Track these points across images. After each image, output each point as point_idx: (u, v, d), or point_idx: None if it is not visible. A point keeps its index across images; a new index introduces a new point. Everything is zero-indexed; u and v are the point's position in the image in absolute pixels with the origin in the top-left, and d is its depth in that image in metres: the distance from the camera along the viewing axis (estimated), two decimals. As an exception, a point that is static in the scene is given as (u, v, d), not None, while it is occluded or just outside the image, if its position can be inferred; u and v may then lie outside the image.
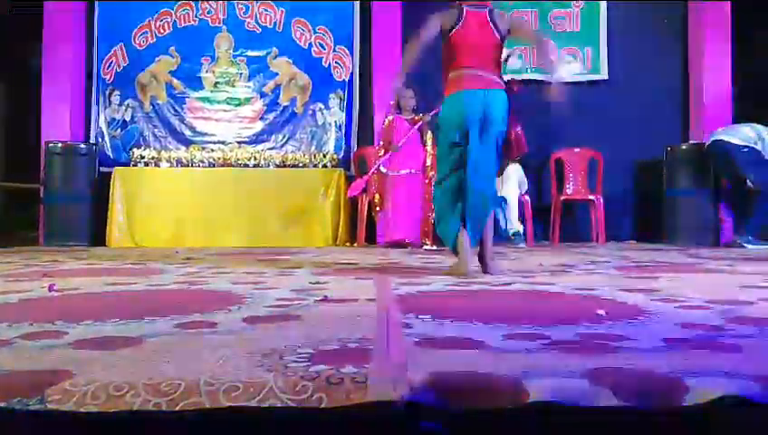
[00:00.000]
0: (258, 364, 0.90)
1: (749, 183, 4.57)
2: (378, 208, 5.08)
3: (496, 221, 2.71)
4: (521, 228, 4.93)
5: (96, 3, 5.97)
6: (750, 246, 4.41)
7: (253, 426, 0.82)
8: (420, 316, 1.35)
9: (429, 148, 4.88)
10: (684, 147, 5.32)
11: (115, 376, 0.83)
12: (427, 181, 4.84)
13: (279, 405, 0.78)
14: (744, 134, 4.64)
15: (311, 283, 2.10)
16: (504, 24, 2.59)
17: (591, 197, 5.43)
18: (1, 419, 0.77)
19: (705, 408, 0.80)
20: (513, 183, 4.92)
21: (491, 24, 2.56)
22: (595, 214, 5.40)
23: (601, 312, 1.37)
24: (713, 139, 4.81)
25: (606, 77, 5.90)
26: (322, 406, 0.78)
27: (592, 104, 5.78)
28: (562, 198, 5.50)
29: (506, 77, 2.77)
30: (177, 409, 0.77)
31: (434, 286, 2.01)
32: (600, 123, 5.77)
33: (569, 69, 5.93)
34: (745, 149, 4.58)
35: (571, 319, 1.31)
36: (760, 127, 4.68)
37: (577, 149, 5.61)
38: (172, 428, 0.82)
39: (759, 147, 4.59)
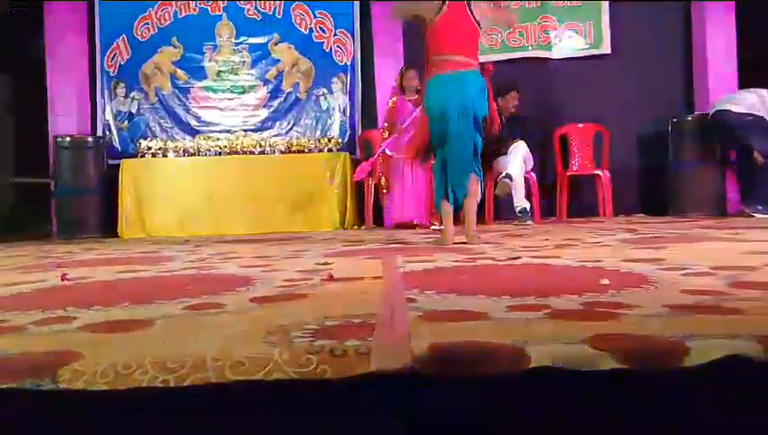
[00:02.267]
0: (264, 340, 0.92)
1: (754, 152, 4.53)
2: (384, 191, 5.10)
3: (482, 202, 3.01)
4: (527, 205, 4.92)
5: (96, -4, 5.97)
6: (758, 215, 4.38)
7: (260, 399, 0.84)
8: (425, 291, 1.36)
9: (434, 128, 4.86)
10: (689, 118, 5.27)
11: (124, 356, 0.85)
12: (432, 162, 4.83)
13: (284, 378, 0.80)
14: (747, 101, 4.58)
15: (318, 264, 2.12)
16: (479, 13, 2.93)
17: (597, 171, 5.40)
18: (15, 399, 0.80)
19: (705, 369, 0.81)
20: (518, 160, 4.90)
21: (469, 14, 2.89)
22: (601, 188, 5.37)
23: (605, 281, 1.37)
24: (716, 108, 4.77)
25: (608, 51, 5.85)
26: (326, 377, 0.80)
27: (595, 79, 5.75)
28: (568, 173, 5.48)
29: (482, 58, 3.15)
30: (185, 384, 0.79)
31: (439, 263, 2.02)
32: (604, 98, 5.73)
33: (571, 44, 5.88)
34: (749, 117, 4.53)
35: (574, 289, 1.32)
36: (764, 91, 4.61)
37: (581, 125, 5.58)
38: (181, 403, 0.84)
39: (762, 113, 4.53)
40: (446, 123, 2.84)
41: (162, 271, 2.14)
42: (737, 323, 0.97)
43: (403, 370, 0.80)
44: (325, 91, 6.02)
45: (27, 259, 2.98)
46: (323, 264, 2.13)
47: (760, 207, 4.47)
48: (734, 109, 4.60)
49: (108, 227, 5.31)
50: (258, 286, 1.57)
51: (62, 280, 1.88)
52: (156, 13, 5.98)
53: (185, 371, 0.80)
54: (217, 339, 0.94)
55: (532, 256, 2.12)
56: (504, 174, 4.75)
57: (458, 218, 3.07)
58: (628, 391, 0.86)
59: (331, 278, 1.64)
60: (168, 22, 5.99)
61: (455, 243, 2.90)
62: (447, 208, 2.96)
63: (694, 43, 5.78)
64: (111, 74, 5.98)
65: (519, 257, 2.09)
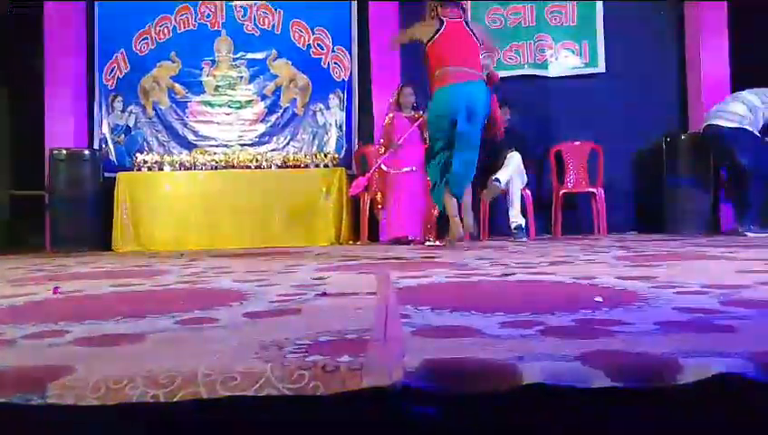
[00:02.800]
0: (256, 355, 0.91)
1: (743, 166, 4.54)
2: (380, 206, 5.11)
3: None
4: (523, 222, 4.93)
5: (96, 10, 6.01)
6: (751, 235, 4.39)
7: (250, 415, 0.83)
8: (419, 308, 1.36)
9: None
10: (683, 136, 5.32)
11: (115, 370, 0.85)
12: (428, 178, 4.86)
13: (275, 394, 0.79)
14: (735, 113, 4.57)
15: (312, 278, 2.12)
16: (479, 32, 3.19)
17: (592, 189, 5.43)
18: (2, 415, 0.79)
19: (698, 386, 0.81)
20: (510, 167, 4.88)
21: (469, 31, 3.14)
22: (596, 206, 5.40)
23: (599, 298, 1.38)
24: (705, 124, 4.79)
25: (603, 70, 5.90)
26: (318, 393, 0.80)
27: (591, 97, 5.80)
28: (563, 190, 5.50)
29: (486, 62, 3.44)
30: (175, 400, 0.79)
31: (434, 279, 2.02)
32: (600, 115, 5.78)
33: (566, 63, 5.94)
34: (738, 131, 4.54)
35: (568, 306, 1.32)
36: (752, 96, 4.59)
37: (577, 142, 5.62)
38: (172, 419, 0.83)
39: (748, 122, 4.51)
40: (453, 127, 3.05)
41: (156, 285, 2.13)
42: (730, 340, 0.97)
43: (395, 386, 0.80)
44: (322, 106, 6.05)
45: (20, 272, 2.97)
46: (318, 278, 2.12)
47: (753, 227, 4.48)
48: (724, 124, 4.61)
49: (102, 240, 5.29)
50: (252, 301, 1.57)
51: (54, 293, 1.87)
52: (155, 28, 6.02)
53: (175, 386, 0.79)
54: (209, 354, 0.94)
55: (526, 273, 2.12)
56: (493, 177, 4.76)
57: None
58: (620, 409, 0.86)
59: (325, 294, 1.64)
60: (167, 37, 6.03)
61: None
62: (452, 201, 3.21)
63: (688, 60, 5.85)
64: (109, 88, 6.00)
65: (513, 274, 2.09)
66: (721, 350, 0.89)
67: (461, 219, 3.19)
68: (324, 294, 1.65)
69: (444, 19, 3.13)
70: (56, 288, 1.92)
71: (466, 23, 3.16)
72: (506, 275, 2.07)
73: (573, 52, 5.94)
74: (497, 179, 4.73)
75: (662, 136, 5.43)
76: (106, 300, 1.78)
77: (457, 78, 3.03)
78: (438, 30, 3.10)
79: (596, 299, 1.38)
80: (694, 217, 5.00)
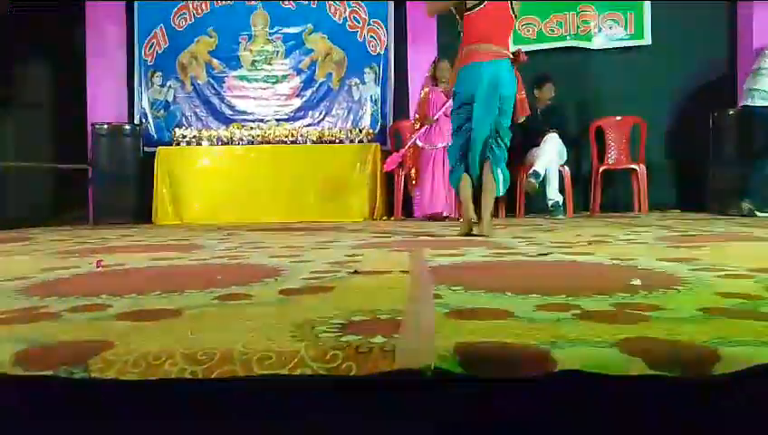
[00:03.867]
0: (291, 334, 0.92)
1: None
2: (414, 182, 5.08)
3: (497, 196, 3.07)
4: (560, 199, 4.85)
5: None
6: (760, 214, 4.26)
7: (285, 392, 0.85)
8: (452, 287, 1.35)
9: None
10: (731, 112, 5.08)
11: (154, 346, 0.87)
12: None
13: (309, 373, 0.80)
14: (766, 90, 4.39)
15: (346, 255, 2.13)
16: (517, 6, 3.01)
17: (633, 166, 5.29)
18: (48, 386, 0.82)
19: (736, 377, 0.79)
20: (548, 154, 4.82)
21: (510, 6, 2.97)
22: (637, 183, 5.26)
23: (636, 281, 1.34)
24: (741, 105, 4.62)
25: (649, 42, 5.68)
26: (351, 374, 0.80)
27: (635, 70, 5.61)
28: (603, 167, 5.37)
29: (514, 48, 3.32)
30: (213, 377, 0.80)
31: (468, 257, 2.01)
32: (644, 89, 5.60)
33: (610, 35, 5.75)
34: None
35: (605, 289, 1.30)
36: None
37: (618, 118, 5.46)
38: (209, 394, 0.85)
39: None
40: (473, 107, 2.96)
41: (194, 259, 2.18)
42: (775, 330, 0.94)
43: (428, 369, 0.80)
44: (358, 81, 6.02)
45: (64, 244, 3.07)
46: (352, 255, 2.14)
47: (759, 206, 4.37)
48: (759, 103, 4.44)
49: (143, 213, 5.43)
50: (286, 278, 1.59)
51: (97, 267, 1.93)
52: (193, 3, 6.06)
53: (213, 363, 0.81)
54: (245, 332, 0.95)
55: (563, 253, 2.09)
56: (531, 171, 4.69)
57: (477, 207, 3.12)
58: (657, 398, 0.84)
59: (357, 272, 1.64)
60: (205, 12, 6.07)
61: (472, 234, 3.01)
62: (466, 184, 3.06)
63: (739, 33, 5.58)
64: (149, 63, 6.09)
65: (550, 253, 2.06)
66: (762, 339, 0.86)
67: (478, 213, 3.02)
68: (357, 271, 1.65)
69: None
70: (99, 262, 1.98)
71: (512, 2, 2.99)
72: (542, 254, 2.04)
73: (618, 23, 5.74)
74: (535, 174, 4.64)
75: (708, 111, 5.23)
76: (146, 274, 1.83)
77: (482, 56, 2.94)
78: (477, 5, 2.98)
79: (633, 282, 1.35)
80: (739, 196, 4.81)
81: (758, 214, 4.32)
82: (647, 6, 5.68)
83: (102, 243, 3.15)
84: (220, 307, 1.20)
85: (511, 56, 3.02)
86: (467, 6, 2.99)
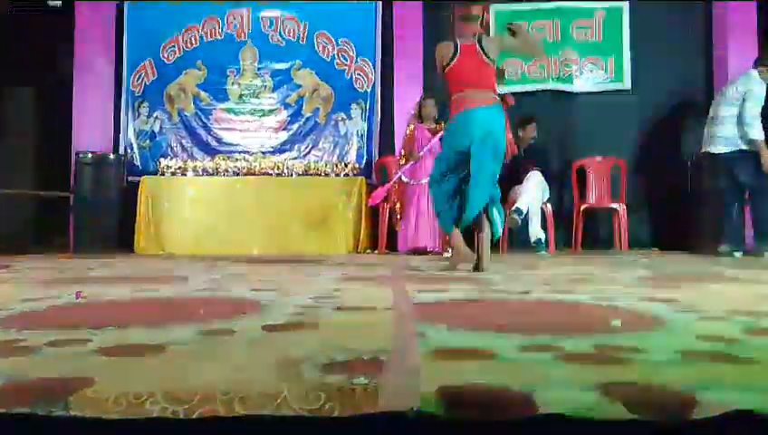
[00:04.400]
0: (274, 373, 0.92)
1: (745, 185, 4.48)
2: (398, 217, 5.11)
3: (494, 230, 3.11)
4: (543, 236, 4.91)
5: (125, 19, 6.14)
6: (738, 255, 4.34)
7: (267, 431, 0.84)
8: (436, 325, 1.36)
9: (451, 157, 4.90)
10: (705, 157, 5.19)
11: (136, 383, 0.86)
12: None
13: (292, 414, 0.80)
14: (726, 137, 4.52)
15: (330, 289, 2.12)
16: (494, 47, 3.09)
17: (614, 205, 5.38)
18: (25, 423, 0.81)
19: (713, 422, 0.80)
20: (531, 191, 4.89)
21: (481, 52, 3.07)
22: (618, 222, 5.34)
23: (617, 322, 1.36)
24: (702, 151, 4.75)
25: (629, 86, 5.85)
26: (334, 415, 0.80)
27: (615, 113, 5.76)
28: (584, 206, 5.45)
29: (503, 89, 3.47)
30: (195, 416, 0.80)
31: (451, 294, 2.02)
32: (624, 131, 5.75)
33: (591, 78, 5.91)
34: (734, 154, 4.48)
35: (587, 329, 1.31)
36: (728, 108, 4.51)
37: (599, 158, 5.57)
38: (191, 433, 0.84)
39: (743, 140, 4.45)
40: (468, 151, 3.02)
41: (176, 291, 2.16)
42: (752, 374, 0.95)
43: (411, 411, 0.80)
44: (344, 116, 6.09)
45: (44, 273, 3.03)
46: (336, 290, 2.13)
47: (736, 248, 4.45)
48: (721, 150, 4.56)
49: (124, 242, 5.38)
50: (270, 312, 1.58)
51: (77, 298, 1.91)
52: (183, 37, 6.13)
53: (194, 403, 0.81)
54: (228, 370, 0.95)
55: (545, 291, 2.11)
56: (513, 208, 4.75)
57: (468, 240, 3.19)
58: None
59: (340, 308, 1.64)
60: (194, 45, 6.14)
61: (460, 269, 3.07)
62: (457, 232, 3.14)
63: (715, 78, 5.76)
64: (136, 94, 6.12)
65: (532, 291, 2.07)
66: (741, 384, 0.87)
67: (478, 254, 3.08)
68: (340, 307, 1.65)
69: (458, 42, 3.13)
70: (79, 293, 1.95)
71: (480, 40, 3.09)
72: (525, 292, 2.05)
73: (598, 67, 5.91)
74: (518, 210, 4.71)
75: (686, 154, 5.36)
76: (127, 306, 1.81)
77: (475, 102, 3.03)
78: (454, 54, 3.10)
79: (614, 323, 1.36)
80: (716, 236, 4.89)
81: (735, 255, 4.40)
82: (626, 52, 5.87)
83: (83, 272, 3.11)
84: (202, 343, 1.19)
85: (499, 100, 3.11)
86: (444, 65, 3.13)
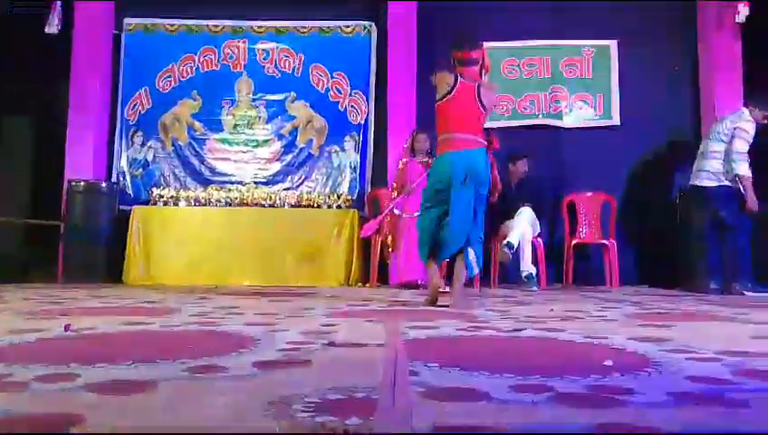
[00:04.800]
0: (265, 412, 0.92)
1: (725, 221, 4.53)
2: (390, 249, 5.12)
3: (469, 265, 3.16)
4: (533, 271, 4.92)
5: (123, 48, 6.20)
6: (748, 293, 4.35)
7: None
8: (428, 364, 1.35)
9: (443, 190, 4.94)
10: (691, 190, 5.26)
11: (125, 422, 0.85)
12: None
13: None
14: (713, 172, 4.60)
15: (321, 325, 2.12)
16: (488, 99, 3.14)
17: (604, 241, 5.41)
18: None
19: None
20: (521, 226, 4.91)
21: (477, 99, 3.10)
22: (608, 257, 5.37)
23: (609, 362, 1.37)
24: (690, 184, 4.82)
25: (618, 123, 5.95)
26: (326, 457, 0.80)
27: (605, 148, 5.84)
28: (575, 241, 5.49)
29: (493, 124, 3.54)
30: (185, 456, 0.79)
31: (443, 331, 2.01)
32: (613, 167, 5.82)
33: (580, 114, 6.01)
34: (720, 189, 4.55)
35: (579, 370, 1.32)
36: (716, 145, 4.59)
37: (590, 193, 5.63)
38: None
39: (727, 176, 4.52)
40: (449, 188, 3.03)
41: (165, 325, 2.14)
42: (741, 416, 0.96)
43: (403, 453, 0.80)
44: (338, 148, 6.13)
45: (32, 304, 3.00)
46: (327, 325, 2.13)
47: (750, 285, 4.44)
48: (707, 184, 4.63)
49: (114, 272, 5.33)
50: (261, 348, 1.57)
51: (66, 330, 1.89)
52: (179, 67, 6.19)
53: (185, 443, 0.80)
54: (219, 408, 0.94)
55: (536, 328, 2.11)
56: (504, 242, 4.77)
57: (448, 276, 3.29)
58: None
59: (333, 344, 1.64)
60: (190, 76, 6.20)
61: (438, 305, 3.08)
62: (434, 265, 3.18)
63: (702, 114, 5.87)
64: (131, 123, 6.15)
65: (524, 329, 2.07)
66: (731, 427, 0.88)
67: (453, 299, 3.08)
68: (332, 344, 1.65)
69: (459, 78, 3.14)
70: (67, 325, 1.93)
71: (478, 87, 3.14)
72: (516, 330, 2.05)
73: (587, 104, 6.01)
74: (509, 244, 4.73)
75: (675, 189, 5.43)
76: (117, 340, 1.79)
77: (457, 145, 3.06)
78: (451, 90, 3.11)
79: (606, 363, 1.37)
80: (706, 273, 4.92)
81: (747, 293, 4.39)
82: (615, 89, 5.98)
83: (72, 303, 3.07)
84: (193, 380, 1.18)
85: (485, 144, 3.13)
86: (439, 96, 3.14)
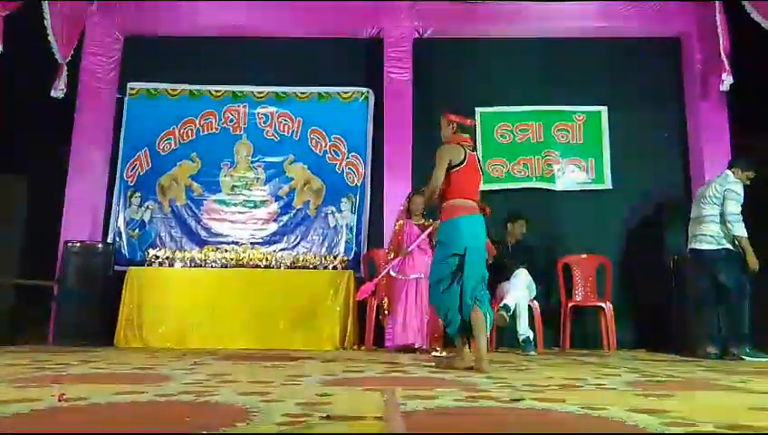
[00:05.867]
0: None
1: (725, 284, 4.54)
2: (386, 312, 5.09)
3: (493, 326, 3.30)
4: (531, 334, 4.89)
5: (125, 111, 6.34)
6: (747, 358, 4.32)
7: None
8: (427, 440, 1.34)
9: (438, 253, 4.97)
10: (690, 255, 5.31)
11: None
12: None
13: None
14: (711, 235, 4.64)
15: (317, 394, 2.10)
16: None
17: (600, 303, 5.41)
18: None
19: None
20: (518, 289, 4.91)
21: (480, 169, 3.46)
22: (605, 320, 5.35)
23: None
24: (689, 248, 4.85)
25: (610, 187, 6.06)
26: None
27: (598, 211, 5.93)
28: (571, 304, 5.48)
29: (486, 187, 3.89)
30: None
31: (442, 401, 1.99)
32: (607, 230, 5.89)
33: (573, 178, 6.11)
34: (719, 252, 4.59)
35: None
36: (710, 208, 4.66)
37: (584, 256, 5.67)
38: None
39: (726, 239, 4.57)
40: (464, 255, 3.24)
41: (159, 394, 2.11)
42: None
43: None
44: (334, 209, 6.19)
45: (23, 369, 2.95)
46: (323, 395, 2.10)
47: (748, 350, 4.42)
48: (706, 247, 4.67)
49: (105, 333, 5.25)
50: (257, 422, 1.55)
51: (59, 400, 1.86)
52: (179, 129, 6.32)
53: None
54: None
55: (534, 398, 2.09)
56: (501, 305, 4.76)
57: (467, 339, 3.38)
58: None
59: (329, 418, 1.62)
60: (191, 138, 6.31)
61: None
62: (463, 334, 3.33)
63: (692, 178, 5.98)
64: (129, 184, 6.21)
65: (522, 399, 2.06)
66: None
67: (478, 364, 3.21)
68: (329, 417, 1.63)
69: (466, 149, 3.38)
70: (61, 395, 1.91)
71: (475, 153, 3.47)
72: (515, 400, 2.03)
73: (580, 168, 6.13)
74: (506, 307, 4.73)
75: (668, 251, 5.48)
76: (111, 411, 1.77)
77: (469, 211, 3.30)
78: (464, 159, 3.34)
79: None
80: (704, 337, 4.90)
81: (745, 359, 4.36)
82: (606, 154, 6.12)
83: (63, 369, 3.03)
84: (189, 458, 1.17)
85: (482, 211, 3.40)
86: (453, 164, 3.32)
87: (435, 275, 3.40)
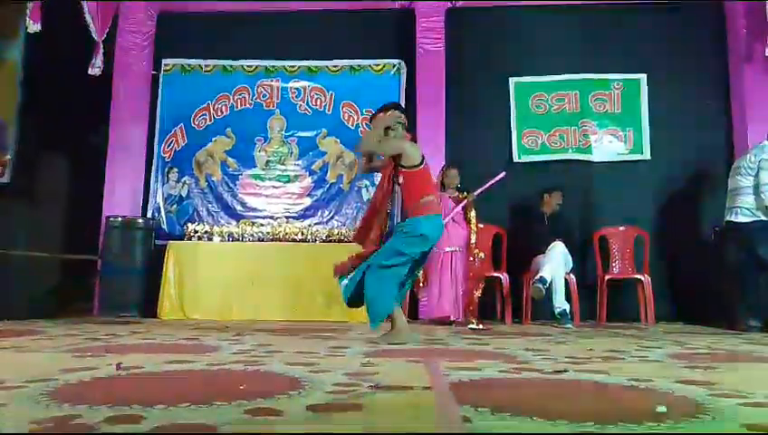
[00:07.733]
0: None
1: (762, 258, 4.44)
2: (421, 285, 5.11)
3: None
4: (567, 307, 4.87)
5: (160, 88, 6.42)
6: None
7: None
8: (478, 409, 1.36)
9: (473, 225, 4.96)
10: (727, 227, 5.18)
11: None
12: (471, 259, 4.89)
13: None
14: (747, 207, 4.54)
15: (361, 364, 2.14)
16: None
17: (638, 276, 5.34)
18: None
19: None
20: (554, 262, 4.88)
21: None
22: (643, 293, 5.29)
23: (662, 409, 1.36)
24: (725, 220, 4.74)
25: (648, 157, 5.92)
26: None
27: (636, 182, 5.81)
28: (608, 277, 5.42)
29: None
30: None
31: (485, 372, 2.02)
32: (646, 201, 5.78)
33: (610, 149, 5.99)
34: (755, 224, 4.48)
35: (633, 416, 1.31)
36: (745, 179, 4.56)
37: (622, 228, 5.58)
38: None
39: (762, 211, 4.46)
40: (427, 250, 3.37)
41: (210, 363, 2.18)
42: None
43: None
44: (367, 183, 6.20)
45: (75, 340, 3.07)
46: (367, 365, 2.15)
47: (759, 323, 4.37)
48: (741, 219, 4.57)
49: (148, 307, 5.41)
50: (309, 390, 1.60)
51: (117, 369, 1.94)
52: (214, 105, 6.38)
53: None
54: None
55: (578, 370, 2.10)
56: (537, 278, 4.74)
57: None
58: None
59: (378, 387, 1.65)
60: (225, 114, 6.38)
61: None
62: (400, 313, 3.31)
63: (735, 147, 5.80)
64: (166, 160, 6.32)
65: (566, 371, 2.07)
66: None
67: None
68: (378, 386, 1.67)
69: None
70: (119, 364, 1.99)
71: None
72: (558, 371, 2.05)
73: (617, 138, 6.00)
74: (542, 280, 4.71)
75: (708, 223, 5.36)
76: (169, 381, 1.84)
77: (438, 210, 3.45)
78: (422, 160, 3.41)
79: (659, 409, 1.36)
80: (745, 310, 4.81)
81: (764, 331, 4.30)
82: (645, 123, 5.97)
83: (113, 339, 3.14)
84: (252, 423, 1.21)
85: None
86: (419, 161, 3.37)
87: (388, 261, 3.26)
